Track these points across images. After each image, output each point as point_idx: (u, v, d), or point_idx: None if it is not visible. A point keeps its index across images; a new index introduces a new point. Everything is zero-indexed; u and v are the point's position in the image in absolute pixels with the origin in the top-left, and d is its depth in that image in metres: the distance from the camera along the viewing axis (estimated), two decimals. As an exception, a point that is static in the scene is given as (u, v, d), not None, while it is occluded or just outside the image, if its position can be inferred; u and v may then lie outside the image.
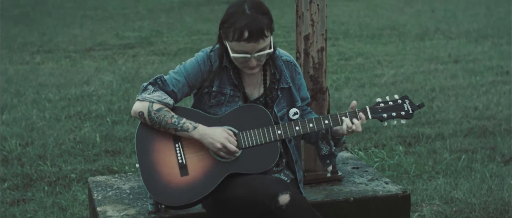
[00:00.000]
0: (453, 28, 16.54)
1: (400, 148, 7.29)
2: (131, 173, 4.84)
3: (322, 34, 4.34)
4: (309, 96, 4.03)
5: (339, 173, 4.49)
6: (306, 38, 4.34)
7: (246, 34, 3.57)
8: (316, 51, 4.38)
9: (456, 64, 12.27)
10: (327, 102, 4.41)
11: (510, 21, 17.56)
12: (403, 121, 3.79)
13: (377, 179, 4.45)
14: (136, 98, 3.84)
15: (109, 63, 13.08)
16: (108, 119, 8.65)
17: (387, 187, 4.33)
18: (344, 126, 3.72)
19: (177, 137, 3.79)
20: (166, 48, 14.69)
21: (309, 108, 4.07)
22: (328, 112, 4.45)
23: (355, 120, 3.72)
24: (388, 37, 15.75)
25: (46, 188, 6.41)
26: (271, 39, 3.69)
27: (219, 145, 3.70)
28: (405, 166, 6.70)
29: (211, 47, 3.88)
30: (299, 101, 3.94)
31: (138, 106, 3.80)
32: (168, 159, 3.77)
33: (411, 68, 11.95)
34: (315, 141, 3.95)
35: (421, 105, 3.81)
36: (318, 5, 4.28)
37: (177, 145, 3.78)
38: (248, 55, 3.64)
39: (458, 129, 8.01)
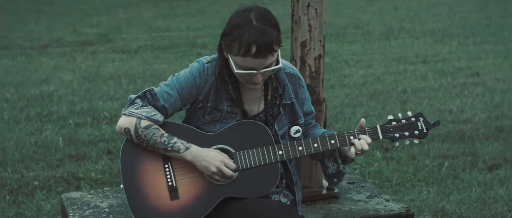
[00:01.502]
0: (417, 27, 16.37)
1: (378, 153, 7.02)
2: (108, 188, 4.45)
3: (320, 41, 4.00)
4: (313, 110, 3.66)
5: (335, 190, 4.17)
6: (303, 45, 3.98)
7: (254, 49, 3.19)
8: (313, 59, 4.03)
9: (425, 65, 12.07)
10: (324, 114, 4.07)
11: (474, 20, 17.47)
12: (416, 141, 3.47)
13: (375, 196, 4.14)
14: (122, 112, 3.43)
15: (67, 61, 12.62)
16: (70, 121, 8.25)
17: (388, 205, 4.02)
18: (353, 150, 3.38)
19: (166, 156, 3.41)
20: (126, 46, 14.26)
21: (313, 121, 3.71)
22: (325, 125, 4.11)
23: (363, 138, 3.38)
24: (353, 36, 15.51)
25: (7, 196, 6.01)
26: (278, 53, 3.32)
27: (214, 169, 3.34)
28: (386, 174, 6.44)
29: (207, 57, 3.49)
30: (302, 118, 3.57)
31: (124, 121, 3.39)
32: (157, 180, 3.38)
33: (380, 69, 11.71)
34: (321, 158, 3.58)
35: (436, 123, 3.48)
36: (316, 9, 3.92)
37: (166, 166, 3.40)
38: (254, 72, 3.26)
39: (435, 133, 7.77)
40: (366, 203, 4.07)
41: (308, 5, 3.94)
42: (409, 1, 21.81)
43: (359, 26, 16.92)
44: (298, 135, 3.53)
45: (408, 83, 10.49)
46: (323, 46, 4.01)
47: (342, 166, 3.54)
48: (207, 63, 3.43)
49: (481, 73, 11.25)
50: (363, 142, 3.36)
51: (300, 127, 3.54)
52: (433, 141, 7.47)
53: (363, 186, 4.34)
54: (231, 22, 3.27)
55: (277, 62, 3.30)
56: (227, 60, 3.36)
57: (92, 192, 4.36)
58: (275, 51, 3.25)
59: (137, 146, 3.40)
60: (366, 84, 10.51)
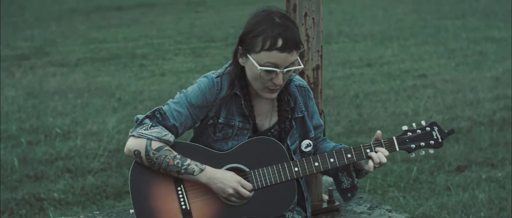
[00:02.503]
0: (356, 31, 16.46)
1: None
2: (97, 212, 4.25)
3: (318, 51, 3.89)
4: (322, 123, 3.55)
5: (336, 203, 4.06)
6: (301, 55, 3.85)
7: (280, 42, 3.08)
8: (312, 70, 3.92)
9: (371, 68, 12.10)
10: (323, 127, 3.95)
11: (410, 22, 17.66)
12: (431, 151, 3.40)
13: (376, 206, 4.05)
14: (130, 133, 3.24)
15: (6, 77, 12.22)
16: (22, 140, 7.95)
17: (392, 215, 3.94)
18: (371, 163, 3.28)
19: (178, 178, 3.24)
20: (64, 59, 13.92)
21: (322, 135, 3.60)
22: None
23: (380, 150, 3.29)
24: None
25: (-32, 224, 5.75)
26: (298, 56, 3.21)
27: (231, 191, 3.19)
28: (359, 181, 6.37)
29: (215, 72, 3.34)
30: (313, 132, 3.45)
31: (133, 144, 3.20)
32: (170, 205, 3.21)
33: (327, 73, 11.69)
34: (334, 173, 3.48)
35: (451, 132, 3.41)
36: (313, 18, 3.81)
37: (179, 188, 3.24)
38: (277, 70, 3.13)
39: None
40: (369, 215, 3.98)
41: (305, 15, 3.83)
42: (342, 4, 21.97)
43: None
44: (309, 149, 3.41)
45: (359, 88, 10.49)
46: (321, 56, 3.91)
47: (356, 180, 3.44)
48: (216, 78, 3.29)
49: (428, 74, 11.34)
50: (380, 154, 3.27)
51: (311, 140, 3.43)
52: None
53: (361, 197, 4.25)
54: (252, 22, 3.17)
55: (298, 64, 3.19)
56: (242, 68, 3.22)
57: (82, 216, 4.15)
58: (299, 48, 3.15)
59: (146, 168, 3.22)
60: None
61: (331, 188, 4.09)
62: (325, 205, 4.05)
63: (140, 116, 3.25)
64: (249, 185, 3.21)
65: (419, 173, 6.62)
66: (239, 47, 3.22)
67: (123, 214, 4.15)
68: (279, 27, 3.09)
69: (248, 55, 3.16)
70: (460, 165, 6.81)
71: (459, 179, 6.36)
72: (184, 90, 3.30)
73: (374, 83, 10.83)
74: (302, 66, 3.20)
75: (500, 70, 11.36)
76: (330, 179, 4.50)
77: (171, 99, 3.29)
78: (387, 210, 4.00)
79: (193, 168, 3.18)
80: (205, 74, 3.35)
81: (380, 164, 3.27)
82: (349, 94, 9.97)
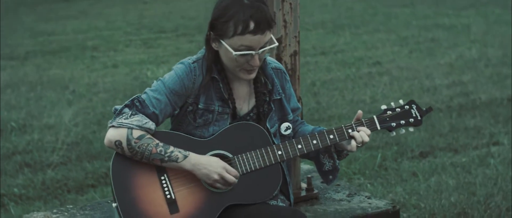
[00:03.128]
0: (307, 19, 16.45)
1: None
2: (71, 206, 4.13)
3: (295, 37, 3.82)
4: (299, 106, 3.49)
5: (315, 190, 4.01)
6: (278, 41, 3.77)
7: (252, 25, 3.03)
8: (289, 56, 3.86)
9: (325, 57, 12.11)
10: (301, 112, 3.89)
11: (360, 10, 17.75)
12: (411, 129, 3.38)
13: (355, 193, 4.02)
14: (109, 124, 3.14)
15: (-46, 70, 11.94)
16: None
17: (372, 202, 3.91)
18: (353, 143, 3.25)
19: (161, 168, 3.15)
20: (13, 52, 13.64)
21: (299, 118, 3.55)
22: (302, 123, 3.93)
23: (362, 130, 3.26)
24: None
25: None
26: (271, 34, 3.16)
27: (216, 176, 3.12)
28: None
29: (191, 58, 3.27)
30: (291, 114, 3.40)
31: (113, 134, 3.11)
32: (154, 194, 3.13)
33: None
34: (315, 155, 3.42)
35: (429, 110, 3.41)
36: (291, 3, 3.75)
37: (162, 178, 3.15)
38: (253, 52, 3.08)
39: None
40: (349, 202, 3.94)
41: (283, 0, 3.76)
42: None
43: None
44: (288, 131, 3.36)
45: (315, 76, 10.48)
46: (298, 42, 3.85)
47: (338, 161, 3.40)
48: (193, 63, 3.22)
49: (382, 62, 11.38)
50: (363, 133, 3.25)
51: (290, 123, 3.38)
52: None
53: (339, 184, 4.21)
54: (220, 6, 3.11)
55: (272, 42, 3.13)
56: (217, 53, 3.16)
57: (55, 211, 4.03)
58: (272, 27, 3.11)
59: (127, 159, 3.13)
60: (273, 79, 10.42)
61: (309, 175, 4.04)
62: (303, 193, 4.00)
63: (118, 107, 3.16)
64: (234, 171, 3.15)
65: (383, 159, 6.63)
66: (211, 32, 3.15)
67: (97, 208, 4.05)
68: (249, 9, 3.05)
69: (221, 41, 3.11)
70: (423, 151, 6.83)
71: (423, 165, 6.37)
72: (161, 77, 3.23)
73: (330, 71, 10.83)
74: (276, 44, 3.16)
75: (453, 57, 11.46)
76: (307, 167, 4.46)
77: (148, 88, 3.21)
78: (366, 197, 3.97)
79: (177, 155, 3.11)
80: (181, 60, 3.28)
81: (363, 143, 3.25)
82: (306, 83, 9.95)
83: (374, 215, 3.76)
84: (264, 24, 3.06)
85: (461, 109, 8.31)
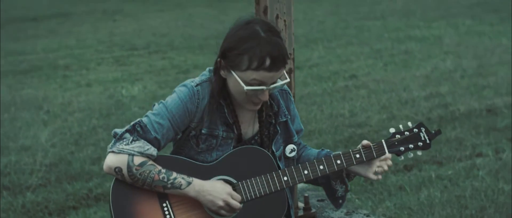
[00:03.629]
0: (279, 34, 16.41)
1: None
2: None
3: (290, 54, 3.76)
4: (303, 127, 3.42)
5: (312, 209, 3.94)
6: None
7: (268, 62, 2.94)
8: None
9: (301, 71, 12.05)
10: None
11: (331, 24, 17.76)
12: (419, 152, 3.31)
13: (353, 211, 3.96)
14: (109, 150, 3.04)
15: None
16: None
17: (372, 220, 3.85)
18: (372, 173, 3.17)
19: (163, 194, 3.05)
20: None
21: (302, 142, 3.47)
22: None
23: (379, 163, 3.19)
24: (218, 47, 15.31)
25: None
26: None
27: (221, 203, 3.03)
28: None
29: (193, 80, 3.17)
30: (295, 136, 3.33)
31: (113, 160, 3.00)
32: None
33: (258, 78, 11.61)
34: (325, 182, 3.34)
35: (438, 132, 3.34)
36: (285, 21, 3.69)
37: (164, 205, 3.05)
38: (264, 87, 2.99)
39: (337, 139, 7.72)
40: (348, 220, 3.88)
41: (277, 17, 3.70)
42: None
43: (219, 37, 16.64)
44: (293, 154, 3.29)
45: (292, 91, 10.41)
46: (293, 59, 3.79)
47: (349, 186, 3.34)
48: (196, 86, 3.12)
49: (358, 75, 11.36)
50: (383, 163, 3.18)
51: (295, 145, 3.31)
52: (338, 148, 7.39)
53: (335, 202, 4.13)
54: (235, 36, 3.01)
55: (284, 77, 3.06)
56: (224, 81, 3.07)
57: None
58: (286, 64, 3.01)
59: (128, 184, 3.02)
60: (249, 95, 10.37)
61: (306, 194, 3.97)
62: (301, 212, 3.93)
63: (118, 130, 3.06)
64: (238, 196, 3.06)
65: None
66: (221, 60, 3.05)
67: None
68: (266, 45, 2.95)
69: (232, 72, 3.01)
70: (407, 165, 6.79)
71: (410, 178, 6.33)
72: (163, 101, 3.13)
73: (306, 86, 10.78)
74: (288, 79, 3.08)
75: (428, 69, 11.48)
76: (303, 185, 4.39)
77: (150, 111, 3.11)
78: (364, 214, 3.92)
79: (180, 182, 3.01)
80: (183, 83, 3.18)
81: (384, 170, 3.18)
82: (283, 98, 9.87)
83: (375, 233, 3.70)
84: (280, 62, 2.98)
85: (441, 121, 8.30)
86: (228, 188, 3.05)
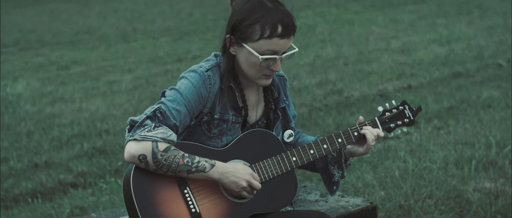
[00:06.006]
0: (149, 27, 16.37)
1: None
2: None
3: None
4: (296, 113, 3.50)
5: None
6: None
7: (280, 28, 2.99)
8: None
9: (183, 63, 12.10)
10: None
11: (200, 16, 17.84)
12: (405, 129, 3.46)
13: (327, 193, 4.06)
14: (129, 137, 2.97)
15: None
16: None
17: (349, 201, 3.95)
18: (370, 139, 3.26)
19: (182, 181, 3.04)
20: None
21: (297, 129, 3.54)
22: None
23: (367, 128, 3.30)
24: (90, 42, 15.10)
25: None
26: None
27: (244, 183, 3.05)
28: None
29: (201, 65, 3.17)
30: (293, 121, 3.40)
31: (136, 148, 2.95)
32: (178, 209, 3.01)
33: (143, 71, 11.58)
34: (322, 167, 3.43)
35: (419, 109, 3.47)
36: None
37: (185, 191, 3.04)
38: (276, 56, 3.04)
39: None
40: (326, 202, 3.97)
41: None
42: (125, 2, 21.69)
43: (90, 31, 16.53)
44: (291, 139, 3.36)
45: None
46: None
47: (345, 172, 3.44)
48: (206, 71, 3.13)
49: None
50: (370, 129, 3.28)
51: (292, 130, 3.39)
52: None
53: (305, 186, 4.24)
54: (244, 9, 3.03)
55: (292, 47, 3.13)
56: (233, 60, 3.11)
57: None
58: (295, 31, 3.09)
59: (147, 174, 2.99)
60: (139, 88, 10.33)
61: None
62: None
63: (136, 118, 3.02)
64: (258, 177, 3.12)
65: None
66: (231, 36, 3.08)
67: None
68: (276, 12, 3.01)
69: (244, 44, 3.04)
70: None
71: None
72: (175, 87, 3.11)
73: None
74: (296, 49, 3.14)
75: (311, 57, 11.76)
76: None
77: (164, 98, 3.08)
78: (340, 196, 4.03)
79: (204, 165, 3.02)
80: (191, 68, 3.16)
81: (378, 137, 3.28)
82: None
83: (357, 213, 3.82)
84: (291, 28, 3.03)
85: (338, 107, 8.53)
86: (249, 169, 3.09)
